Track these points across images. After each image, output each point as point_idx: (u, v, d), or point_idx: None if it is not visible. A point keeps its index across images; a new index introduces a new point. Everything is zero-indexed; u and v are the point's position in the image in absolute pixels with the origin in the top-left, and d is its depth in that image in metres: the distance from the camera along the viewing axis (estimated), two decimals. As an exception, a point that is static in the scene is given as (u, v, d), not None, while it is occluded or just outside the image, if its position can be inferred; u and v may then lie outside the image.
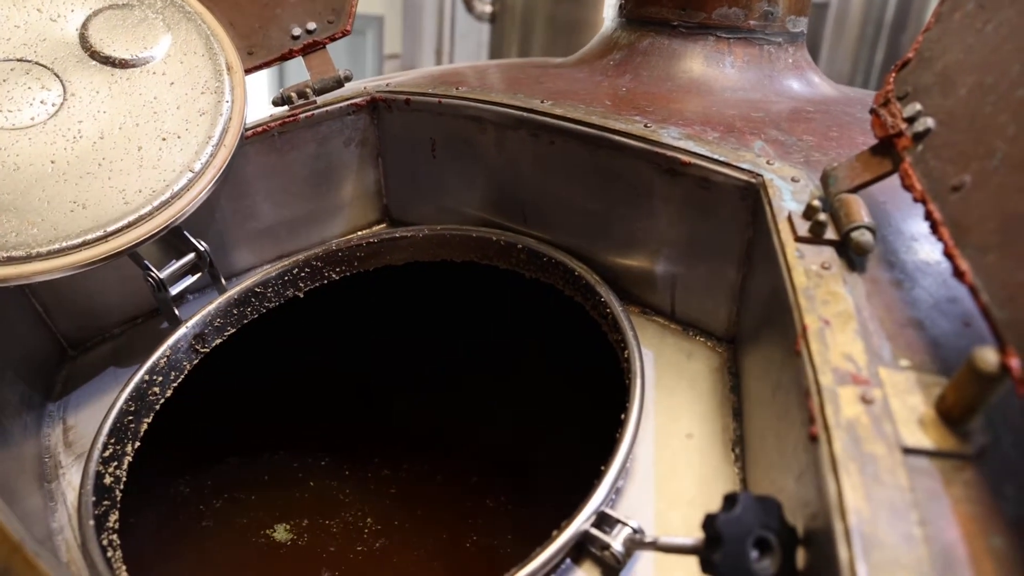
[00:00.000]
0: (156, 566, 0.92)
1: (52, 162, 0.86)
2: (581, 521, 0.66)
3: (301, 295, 1.10)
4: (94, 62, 0.94)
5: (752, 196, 0.83)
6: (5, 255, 0.78)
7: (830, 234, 0.69)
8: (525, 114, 1.02)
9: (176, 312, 0.98)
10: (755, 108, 1.03)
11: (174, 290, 0.96)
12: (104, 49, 0.95)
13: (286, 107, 1.14)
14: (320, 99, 1.15)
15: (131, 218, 0.86)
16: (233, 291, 1.02)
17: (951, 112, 0.62)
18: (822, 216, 0.70)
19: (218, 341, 0.99)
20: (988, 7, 0.65)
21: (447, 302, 1.25)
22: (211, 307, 0.99)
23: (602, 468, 0.71)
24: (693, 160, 0.87)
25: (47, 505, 0.81)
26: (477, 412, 1.38)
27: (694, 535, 0.55)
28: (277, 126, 1.09)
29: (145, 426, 0.88)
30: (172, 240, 0.97)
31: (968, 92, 0.61)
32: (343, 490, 1.31)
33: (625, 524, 0.66)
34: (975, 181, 0.55)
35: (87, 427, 0.90)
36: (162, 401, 0.91)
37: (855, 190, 0.72)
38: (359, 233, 1.24)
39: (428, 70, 1.37)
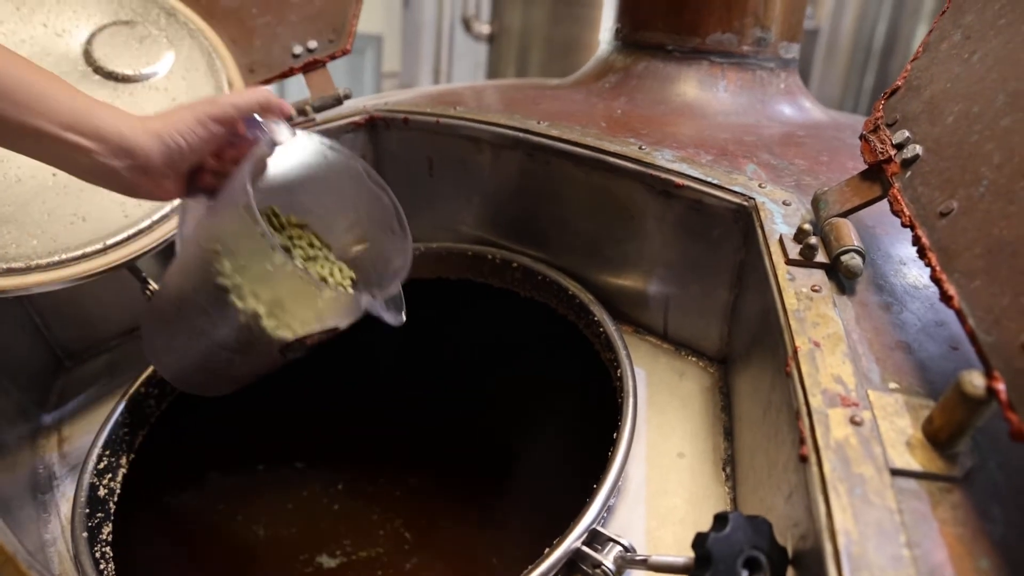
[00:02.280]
0: (148, 579, 0.92)
1: (53, 175, 0.86)
2: (573, 539, 0.66)
3: (297, 310, 1.10)
4: (97, 77, 0.95)
5: (744, 218, 0.84)
6: (5, 266, 0.79)
7: (820, 257, 0.70)
8: (521, 135, 1.03)
9: (173, 326, 0.98)
10: (747, 132, 1.05)
11: (171, 304, 0.97)
12: (108, 65, 0.96)
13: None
14: (319, 116, 1.16)
15: (131, 231, 0.87)
16: (229, 305, 1.02)
17: (939, 139, 0.63)
18: (813, 239, 0.71)
19: (214, 355, 0.99)
20: (974, 38, 0.67)
21: (441, 319, 1.25)
22: (207, 321, 0.99)
23: (594, 486, 0.72)
24: (686, 182, 0.88)
25: (40, 516, 0.81)
26: (470, 429, 1.38)
27: (685, 554, 0.56)
28: (276, 142, 1.10)
29: (140, 438, 0.88)
30: (170, 254, 0.97)
31: (955, 120, 0.63)
32: (346, 504, 1.31)
33: (616, 542, 0.66)
34: (962, 207, 0.56)
35: (82, 438, 0.90)
36: (158, 414, 0.91)
37: (845, 214, 0.73)
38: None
39: (426, 89, 1.39)
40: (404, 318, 0.77)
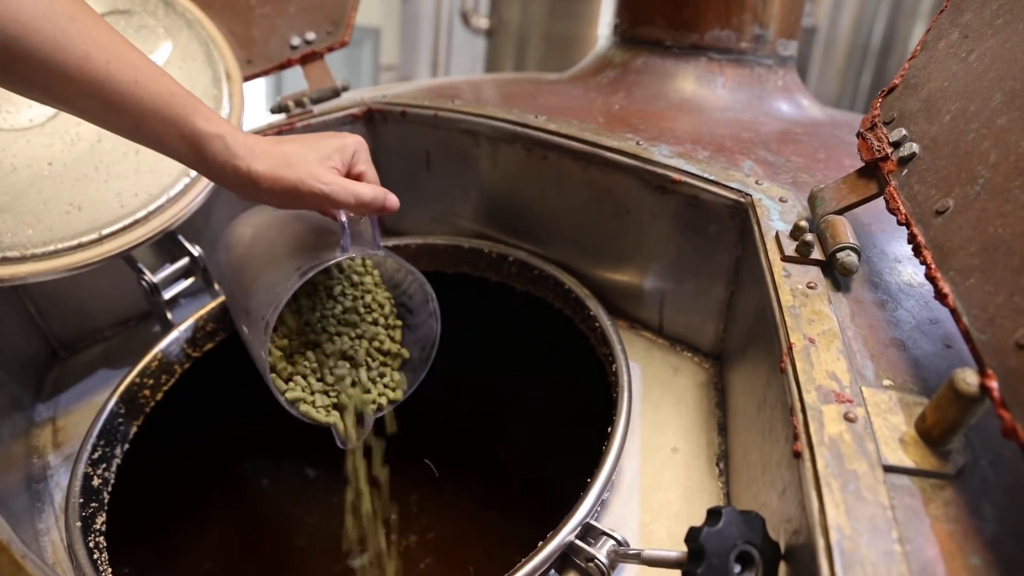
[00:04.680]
0: (143, 570, 0.92)
1: (49, 164, 0.86)
2: (567, 532, 0.67)
3: (293, 302, 1.10)
4: (93, 66, 0.95)
5: (740, 215, 0.85)
6: (0, 255, 0.78)
7: (816, 254, 0.71)
8: (519, 129, 1.03)
9: (168, 316, 0.98)
10: (745, 128, 1.05)
11: (167, 294, 0.97)
12: (104, 54, 0.95)
13: (283, 115, 1.14)
14: (317, 108, 1.16)
15: (127, 221, 0.87)
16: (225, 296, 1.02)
17: (935, 138, 0.63)
18: (809, 236, 0.71)
19: (210, 346, 0.99)
20: (971, 37, 0.67)
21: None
22: (203, 311, 0.99)
23: (588, 480, 0.72)
24: (683, 178, 0.88)
25: (34, 506, 0.81)
26: (465, 422, 1.38)
27: (678, 548, 0.56)
28: (274, 134, 1.10)
29: (135, 429, 0.88)
30: (166, 244, 0.98)
31: (952, 119, 0.63)
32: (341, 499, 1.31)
33: (610, 536, 0.66)
34: (958, 206, 0.56)
35: (76, 428, 0.90)
36: (153, 404, 0.91)
37: (841, 212, 0.73)
38: (352, 242, 1.24)
39: (424, 82, 1.39)
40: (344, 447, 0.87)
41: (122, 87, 0.63)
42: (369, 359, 0.89)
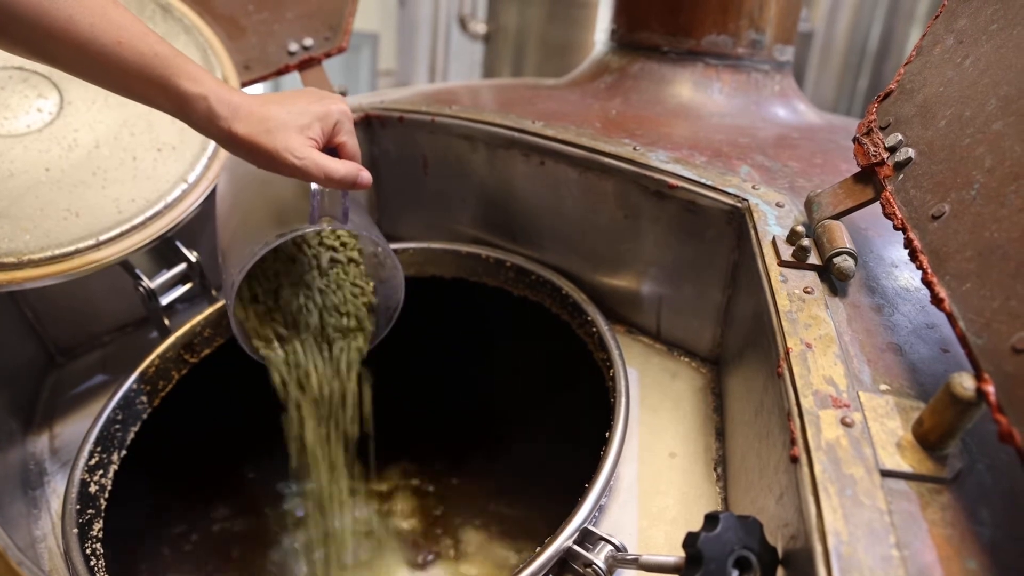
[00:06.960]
0: (139, 576, 0.92)
1: (47, 170, 0.86)
2: (564, 538, 0.67)
3: (290, 308, 1.10)
4: (91, 72, 0.95)
5: (738, 220, 0.85)
6: (-3, 261, 0.78)
7: (813, 259, 0.71)
8: (516, 134, 1.03)
9: (166, 322, 0.98)
10: (742, 133, 1.05)
11: (164, 300, 0.97)
12: (101, 60, 0.95)
13: (281, 120, 1.14)
14: (314, 114, 1.16)
15: (124, 227, 0.87)
16: (223, 302, 1.02)
17: (931, 143, 0.64)
18: (805, 241, 0.71)
19: (207, 351, 0.99)
20: (966, 42, 0.67)
21: (435, 318, 1.26)
22: (201, 317, 0.99)
23: (586, 485, 0.72)
24: (680, 183, 0.89)
25: (31, 512, 0.81)
26: (462, 427, 1.38)
27: (676, 553, 0.56)
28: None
29: (132, 435, 0.88)
30: (164, 250, 0.98)
31: (947, 124, 0.63)
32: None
33: (608, 541, 0.66)
34: (954, 210, 0.56)
35: (73, 435, 0.90)
36: (150, 411, 0.91)
37: (838, 216, 0.73)
38: (349, 247, 1.24)
39: (422, 88, 1.39)
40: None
41: (106, 48, 0.64)
42: (332, 313, 0.92)
